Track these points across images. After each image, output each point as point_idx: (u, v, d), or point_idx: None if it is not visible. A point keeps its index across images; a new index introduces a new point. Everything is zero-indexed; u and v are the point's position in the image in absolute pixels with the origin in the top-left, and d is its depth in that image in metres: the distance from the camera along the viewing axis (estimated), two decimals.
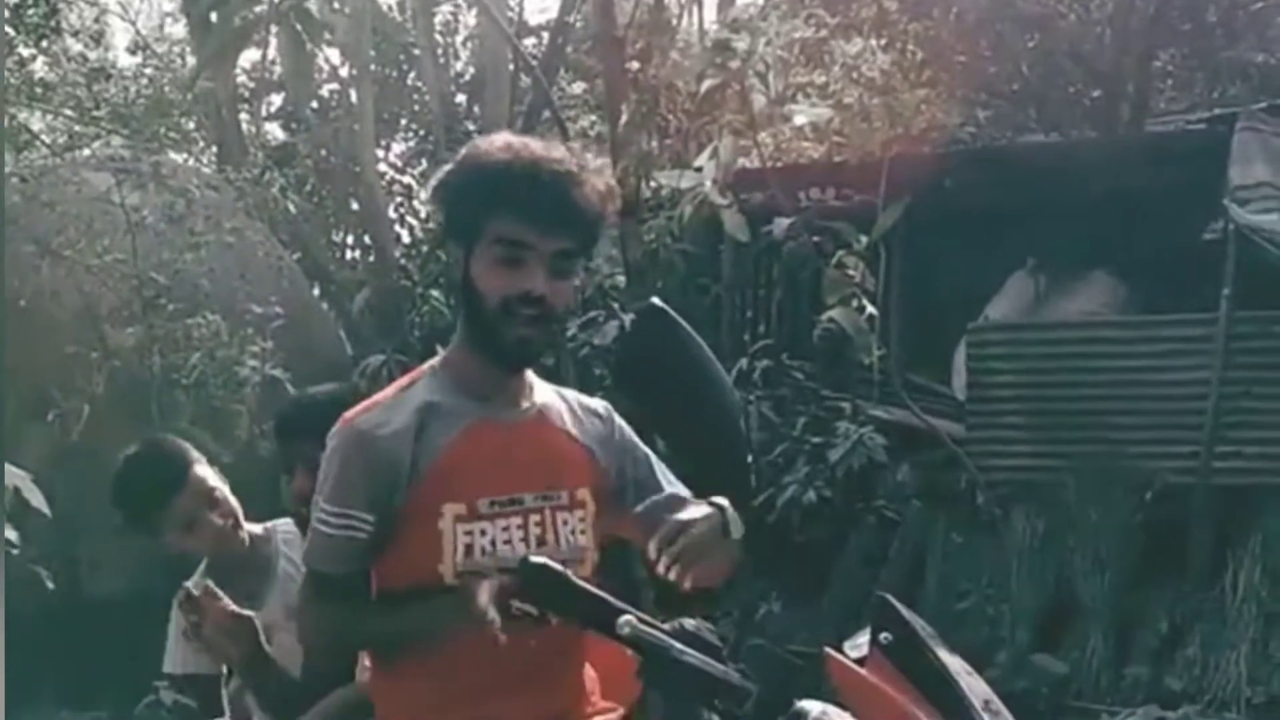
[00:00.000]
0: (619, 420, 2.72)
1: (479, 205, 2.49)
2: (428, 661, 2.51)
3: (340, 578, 2.51)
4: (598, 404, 2.73)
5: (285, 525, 3.73)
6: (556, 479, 2.57)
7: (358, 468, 2.48)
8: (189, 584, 3.65)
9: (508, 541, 2.49)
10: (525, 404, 2.60)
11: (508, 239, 2.46)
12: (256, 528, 3.72)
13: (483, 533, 2.48)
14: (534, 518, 2.52)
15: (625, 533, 2.71)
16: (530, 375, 2.64)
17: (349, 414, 2.55)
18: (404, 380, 2.61)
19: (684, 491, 2.68)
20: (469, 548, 2.47)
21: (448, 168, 2.59)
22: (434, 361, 2.65)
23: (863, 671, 2.30)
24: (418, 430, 2.49)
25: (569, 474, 2.59)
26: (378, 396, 2.59)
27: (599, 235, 2.57)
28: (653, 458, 2.73)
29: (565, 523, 2.54)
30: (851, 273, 8.63)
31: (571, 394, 2.74)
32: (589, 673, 2.65)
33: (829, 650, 2.32)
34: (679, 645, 2.12)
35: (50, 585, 6.41)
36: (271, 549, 3.69)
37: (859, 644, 2.36)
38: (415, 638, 2.47)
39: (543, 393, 2.65)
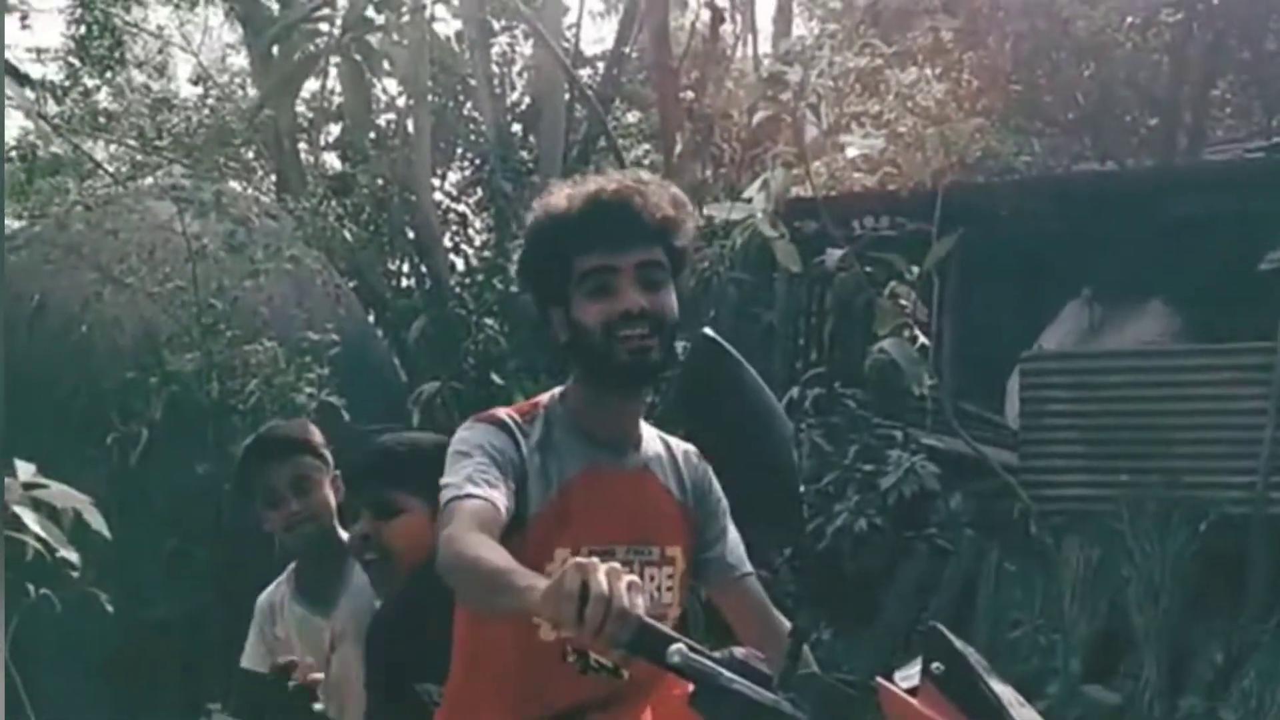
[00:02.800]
0: (712, 476, 2.74)
1: (559, 255, 2.52)
2: (504, 693, 2.55)
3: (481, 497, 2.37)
4: (697, 458, 2.73)
5: None
6: (650, 534, 2.60)
7: (504, 451, 2.47)
8: (270, 589, 3.80)
9: None
10: (633, 455, 2.63)
11: (591, 270, 2.49)
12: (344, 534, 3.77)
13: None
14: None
15: (702, 588, 2.78)
16: (642, 423, 2.66)
17: (489, 411, 2.56)
18: (524, 406, 2.61)
19: (749, 566, 2.77)
20: None
21: (522, 245, 2.63)
22: (554, 393, 2.64)
23: (914, 702, 2.29)
24: (540, 461, 2.51)
25: (663, 531, 2.62)
26: (505, 410, 2.58)
27: (682, 243, 2.57)
28: (729, 521, 2.75)
29: (653, 578, 2.58)
30: (904, 302, 8.62)
31: (679, 445, 2.75)
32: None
33: (880, 680, 2.32)
34: (728, 673, 2.13)
35: (109, 608, 6.47)
36: (350, 562, 3.72)
37: (910, 674, 2.35)
38: (486, 586, 2.26)
39: (651, 443, 2.68)
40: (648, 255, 2.50)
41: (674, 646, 2.09)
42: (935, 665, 2.30)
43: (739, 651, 2.19)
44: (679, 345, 2.61)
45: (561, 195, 2.54)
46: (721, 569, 2.75)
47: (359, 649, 3.46)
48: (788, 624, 2.71)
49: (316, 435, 3.80)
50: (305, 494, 3.65)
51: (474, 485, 2.37)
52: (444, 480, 2.42)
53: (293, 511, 3.64)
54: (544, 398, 2.63)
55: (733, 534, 2.76)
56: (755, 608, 2.74)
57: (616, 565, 1.98)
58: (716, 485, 2.73)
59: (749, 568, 2.77)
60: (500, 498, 2.39)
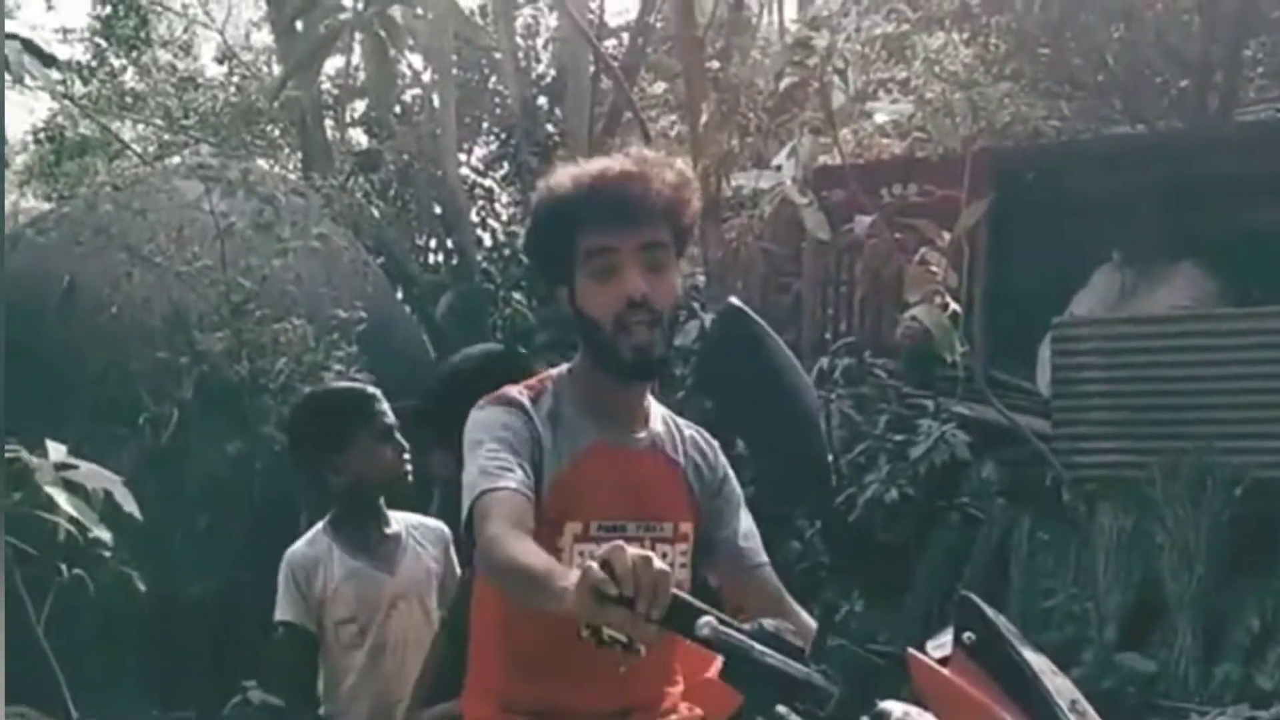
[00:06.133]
0: (723, 459, 2.74)
1: (563, 233, 2.53)
2: (518, 665, 2.55)
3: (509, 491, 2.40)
4: (705, 441, 2.74)
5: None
6: (660, 510, 2.60)
7: (516, 430, 2.48)
8: (304, 544, 3.86)
9: None
10: (642, 433, 2.63)
11: (595, 249, 2.50)
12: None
13: (592, 555, 2.49)
14: (634, 546, 2.53)
15: (710, 575, 2.75)
16: (650, 400, 2.67)
17: (499, 391, 2.56)
18: (533, 382, 2.61)
19: (764, 557, 2.75)
20: None
21: (529, 221, 2.65)
22: (562, 369, 2.64)
23: (946, 671, 2.28)
24: (550, 435, 2.52)
25: (674, 507, 2.62)
26: (516, 387, 2.58)
27: (685, 223, 2.57)
28: (743, 510, 2.76)
29: (665, 555, 2.54)
30: (934, 269, 8.56)
31: (687, 425, 2.75)
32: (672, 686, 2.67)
33: (911, 650, 2.30)
34: (759, 646, 2.12)
35: (142, 587, 6.51)
36: (401, 526, 3.89)
37: (942, 643, 2.35)
38: (529, 588, 2.31)
39: (659, 420, 2.68)
40: (651, 236, 2.51)
41: (704, 619, 2.08)
42: (967, 635, 2.29)
43: (769, 623, 2.18)
44: (707, 317, 2.62)
45: (566, 175, 2.55)
46: (733, 554, 2.73)
47: (418, 608, 3.74)
48: (804, 615, 2.67)
49: None
50: (404, 437, 3.82)
51: (494, 477, 2.40)
52: (465, 475, 2.44)
53: (404, 450, 3.81)
54: (553, 373, 2.64)
55: (747, 523, 2.75)
56: (769, 599, 2.69)
57: (649, 554, 2.02)
58: (727, 468, 2.74)
59: (764, 558, 2.75)
60: (523, 481, 2.42)
